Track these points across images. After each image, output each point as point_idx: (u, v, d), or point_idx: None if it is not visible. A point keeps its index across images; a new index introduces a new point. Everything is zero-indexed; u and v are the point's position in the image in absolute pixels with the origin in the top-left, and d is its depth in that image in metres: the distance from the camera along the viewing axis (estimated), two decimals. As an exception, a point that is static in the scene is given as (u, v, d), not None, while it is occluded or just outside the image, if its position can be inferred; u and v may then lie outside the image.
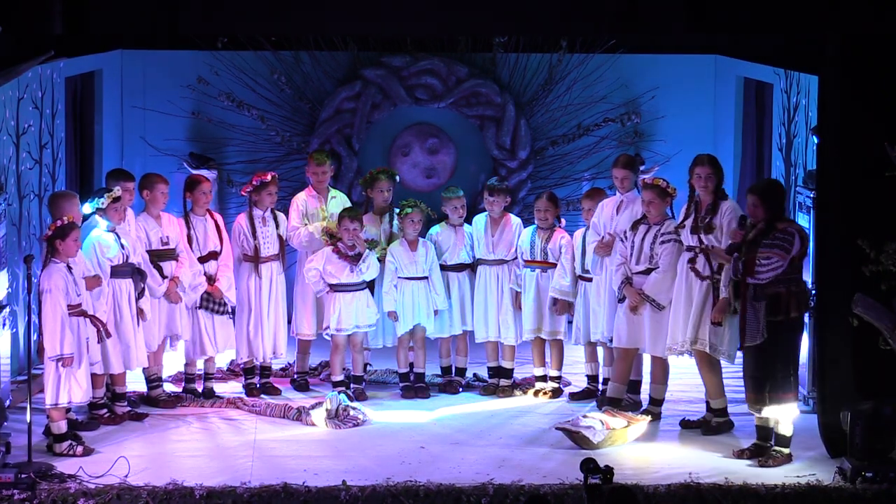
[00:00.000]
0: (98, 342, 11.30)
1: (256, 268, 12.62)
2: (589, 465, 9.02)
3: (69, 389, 10.95)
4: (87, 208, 11.64)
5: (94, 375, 11.36)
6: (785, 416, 10.96)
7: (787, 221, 11.20)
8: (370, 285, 12.70)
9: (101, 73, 14.78)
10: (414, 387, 12.74)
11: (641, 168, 14.11)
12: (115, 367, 11.67)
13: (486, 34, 14.59)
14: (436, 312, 12.70)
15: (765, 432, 11.11)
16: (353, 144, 15.34)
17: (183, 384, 12.69)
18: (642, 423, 11.53)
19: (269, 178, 12.64)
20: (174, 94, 15.16)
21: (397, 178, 13.15)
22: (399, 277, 12.64)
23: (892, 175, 10.78)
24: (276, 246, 12.71)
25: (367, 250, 12.53)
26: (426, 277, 12.65)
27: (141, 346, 11.89)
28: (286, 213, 12.94)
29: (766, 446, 11.06)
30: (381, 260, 12.71)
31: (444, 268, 12.81)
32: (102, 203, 11.60)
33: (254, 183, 12.64)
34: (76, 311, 11.05)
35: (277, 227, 12.72)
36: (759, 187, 11.15)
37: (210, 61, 15.13)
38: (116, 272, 11.69)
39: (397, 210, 12.85)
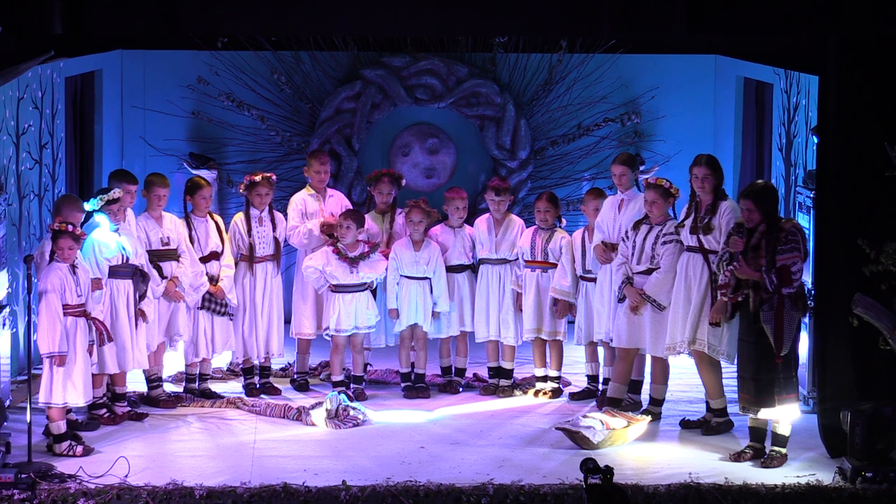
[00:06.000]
0: (99, 345, 11.30)
1: (251, 267, 12.63)
2: (589, 465, 9.04)
3: (64, 391, 10.95)
4: (87, 206, 11.65)
5: (92, 375, 11.35)
6: (784, 416, 10.96)
7: (787, 220, 11.20)
8: (373, 289, 12.72)
9: (101, 73, 14.78)
10: (415, 387, 12.75)
11: (642, 168, 14.12)
12: (111, 367, 11.66)
13: (486, 34, 14.60)
14: (435, 315, 12.69)
15: (759, 434, 11.11)
16: (353, 144, 15.34)
17: (183, 384, 12.70)
18: (642, 423, 11.53)
19: (258, 178, 12.64)
20: (174, 94, 15.17)
21: (403, 181, 13.13)
22: (401, 276, 12.64)
23: (892, 175, 10.79)
24: (271, 247, 12.69)
25: (373, 252, 12.54)
26: (427, 278, 12.64)
27: (139, 347, 11.86)
28: (285, 212, 12.94)
29: (761, 448, 11.07)
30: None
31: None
32: (97, 204, 11.58)
33: (244, 182, 12.66)
34: (75, 311, 11.03)
35: (275, 228, 12.70)
36: (752, 191, 11.00)
37: (210, 61, 15.14)
38: (115, 273, 11.68)
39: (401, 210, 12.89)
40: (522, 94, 15.49)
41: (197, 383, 12.63)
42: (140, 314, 11.85)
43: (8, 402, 11.63)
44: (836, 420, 10.91)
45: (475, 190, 15.17)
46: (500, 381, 12.91)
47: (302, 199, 12.94)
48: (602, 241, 12.26)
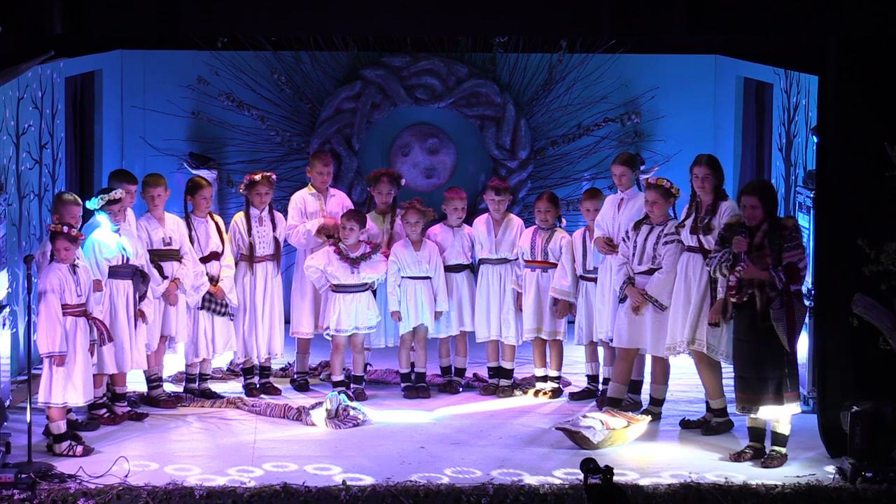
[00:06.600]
0: (100, 345, 11.29)
1: (251, 267, 12.62)
2: (589, 465, 9.03)
3: (64, 391, 10.94)
4: (88, 206, 11.65)
5: (92, 375, 11.35)
6: (785, 414, 10.96)
7: (788, 218, 11.19)
8: (374, 290, 12.71)
9: (101, 73, 14.78)
10: (415, 387, 12.75)
11: (642, 168, 14.12)
12: (109, 368, 11.65)
13: (486, 34, 14.59)
14: (438, 314, 12.69)
15: (758, 434, 11.11)
16: (353, 144, 15.34)
17: (183, 384, 12.70)
18: (642, 423, 11.53)
19: (258, 177, 12.64)
20: (174, 94, 15.17)
21: (402, 181, 13.13)
22: (402, 277, 12.64)
23: (892, 175, 10.79)
24: (271, 246, 12.69)
25: (374, 253, 12.53)
26: (429, 277, 12.64)
27: (138, 348, 11.85)
28: (285, 212, 12.94)
29: (761, 448, 11.06)
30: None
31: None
32: (98, 203, 11.58)
33: (244, 182, 12.67)
34: (75, 311, 11.02)
35: (275, 228, 12.70)
36: (756, 188, 11.04)
37: (210, 61, 15.14)
38: (115, 273, 11.68)
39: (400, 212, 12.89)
40: (522, 94, 15.49)
41: (197, 383, 12.62)
42: (140, 315, 11.84)
43: (8, 402, 11.63)
44: (836, 420, 10.91)
45: (475, 190, 15.16)
46: (500, 381, 12.91)
47: (302, 198, 12.94)
48: (604, 236, 12.26)
